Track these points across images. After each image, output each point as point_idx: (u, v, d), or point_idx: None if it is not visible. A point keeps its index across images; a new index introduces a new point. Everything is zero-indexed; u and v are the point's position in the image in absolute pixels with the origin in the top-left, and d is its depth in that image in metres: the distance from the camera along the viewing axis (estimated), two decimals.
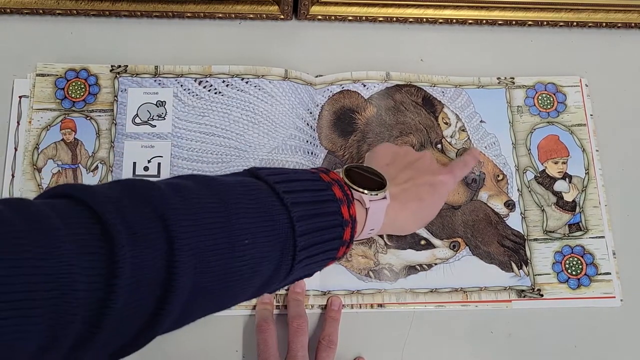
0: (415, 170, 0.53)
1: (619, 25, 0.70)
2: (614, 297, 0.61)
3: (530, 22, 0.70)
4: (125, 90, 0.63)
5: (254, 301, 0.57)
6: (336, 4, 0.67)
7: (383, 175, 0.48)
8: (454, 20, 0.69)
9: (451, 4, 0.68)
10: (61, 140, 0.61)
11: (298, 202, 0.40)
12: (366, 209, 0.45)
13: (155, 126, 0.62)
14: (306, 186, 0.42)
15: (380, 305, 0.59)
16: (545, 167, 0.65)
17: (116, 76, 0.63)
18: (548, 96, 0.67)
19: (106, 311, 0.31)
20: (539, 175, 0.64)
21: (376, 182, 0.47)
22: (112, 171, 0.60)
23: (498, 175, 0.64)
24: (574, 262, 0.61)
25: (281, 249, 0.39)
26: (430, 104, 0.65)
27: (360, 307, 0.59)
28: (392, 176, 0.50)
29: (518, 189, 0.64)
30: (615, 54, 0.71)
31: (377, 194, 0.46)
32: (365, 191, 0.45)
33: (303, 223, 0.40)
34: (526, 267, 0.61)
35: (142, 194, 0.35)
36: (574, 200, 0.64)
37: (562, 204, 0.63)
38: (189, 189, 0.37)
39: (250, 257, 0.37)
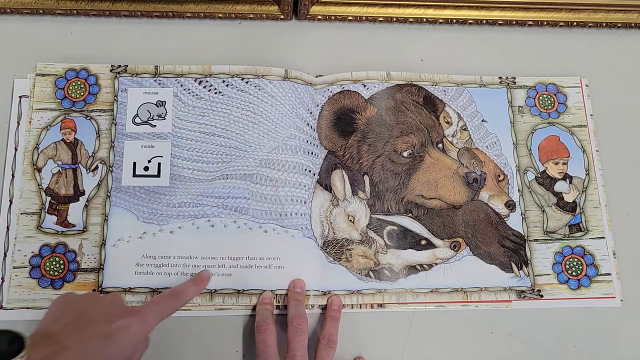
0: (84, 321, 0.45)
1: (619, 25, 0.70)
2: (614, 297, 0.61)
3: (530, 22, 0.70)
4: (125, 90, 0.63)
5: (254, 301, 0.57)
6: (336, 4, 0.67)
7: (27, 338, 0.42)
8: (454, 20, 0.69)
9: (451, 4, 0.68)
10: (61, 140, 0.61)
11: None
12: None
13: (155, 126, 0.62)
14: None
15: (380, 305, 0.59)
16: (546, 167, 0.65)
17: (116, 76, 0.63)
18: (549, 97, 0.67)
19: None
20: (539, 175, 0.64)
21: (16, 350, 0.41)
22: (112, 171, 0.60)
23: (499, 176, 0.64)
24: (574, 263, 0.61)
25: None
26: (431, 103, 0.65)
27: (360, 307, 0.59)
28: (54, 334, 0.44)
29: (519, 190, 0.64)
30: (615, 54, 0.71)
31: None
32: None
33: None
34: (526, 267, 0.61)
35: None
36: (574, 201, 0.64)
37: (563, 205, 0.63)
38: None
39: None
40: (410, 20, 0.69)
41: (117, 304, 0.48)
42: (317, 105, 0.64)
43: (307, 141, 0.63)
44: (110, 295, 0.49)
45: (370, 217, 0.61)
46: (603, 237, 0.63)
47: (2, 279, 0.57)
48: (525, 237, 0.62)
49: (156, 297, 0.52)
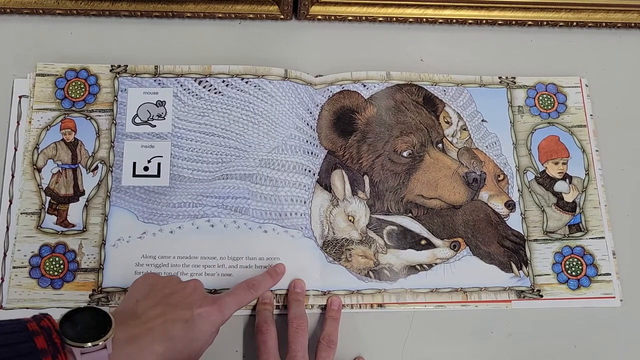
0: (169, 305, 0.47)
1: (619, 25, 0.70)
2: (614, 297, 0.61)
3: (530, 22, 0.70)
4: (125, 90, 0.63)
5: (254, 301, 0.57)
6: (336, 4, 0.67)
7: (113, 316, 0.42)
8: (454, 20, 0.69)
9: (451, 4, 0.68)
10: (61, 140, 0.61)
11: None
12: None
13: (155, 126, 0.62)
14: None
15: (380, 305, 0.59)
16: (546, 167, 0.65)
17: (116, 76, 0.63)
18: (549, 97, 0.67)
19: None
20: (539, 175, 0.64)
21: (102, 328, 0.41)
22: (112, 171, 0.60)
23: (499, 176, 0.64)
24: (574, 263, 0.61)
25: None
26: (431, 103, 0.66)
27: (360, 307, 0.59)
28: (140, 314, 0.46)
29: (518, 190, 0.64)
30: (615, 54, 0.71)
31: (95, 344, 0.40)
32: (73, 342, 0.40)
33: None
34: (526, 267, 0.61)
35: None
36: (574, 201, 0.64)
37: (562, 205, 0.63)
38: None
39: None
40: (410, 20, 0.69)
41: (199, 291, 0.50)
42: (317, 105, 0.64)
43: (307, 141, 0.63)
44: (192, 282, 0.51)
45: (370, 217, 0.61)
46: (603, 237, 0.63)
47: (2, 278, 0.57)
48: (525, 237, 0.62)
49: (234, 288, 0.54)
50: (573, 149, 0.65)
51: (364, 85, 0.65)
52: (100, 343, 0.41)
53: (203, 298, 0.50)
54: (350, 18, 0.68)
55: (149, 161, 0.61)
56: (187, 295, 0.49)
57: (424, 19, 0.68)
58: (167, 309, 0.47)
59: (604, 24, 0.70)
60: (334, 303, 0.58)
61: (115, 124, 0.62)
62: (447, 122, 0.65)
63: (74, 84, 0.63)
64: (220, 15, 0.67)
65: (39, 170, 0.60)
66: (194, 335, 0.47)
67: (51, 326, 0.40)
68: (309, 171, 0.62)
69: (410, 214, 0.62)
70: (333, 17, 0.68)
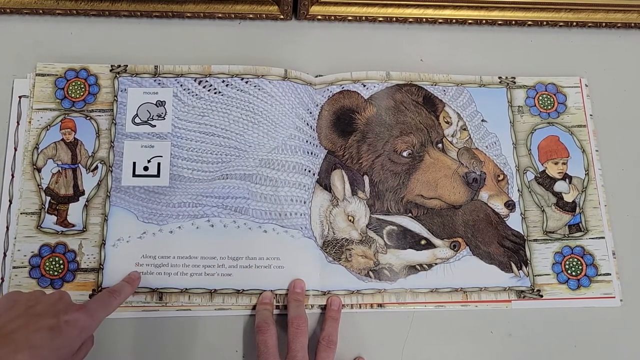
0: (32, 315, 0.46)
1: (619, 25, 0.71)
2: (614, 297, 0.61)
3: (530, 22, 0.70)
4: (125, 90, 0.63)
5: (254, 301, 0.57)
6: (336, 4, 0.67)
7: None
8: (454, 20, 0.69)
9: (451, 4, 0.68)
10: (61, 140, 0.61)
11: None
12: None
13: (155, 126, 0.62)
14: None
15: (380, 305, 0.59)
16: (546, 167, 0.65)
17: (116, 76, 0.63)
18: (548, 97, 0.67)
19: None
20: (539, 175, 0.64)
21: None
22: (111, 171, 0.60)
23: (499, 176, 0.64)
24: (574, 263, 0.61)
25: None
26: (431, 103, 0.66)
27: (360, 307, 0.59)
28: (0, 327, 0.45)
29: (518, 189, 0.64)
30: (615, 54, 0.71)
31: None
32: None
33: None
34: (526, 267, 0.61)
35: None
36: (574, 201, 0.64)
37: (562, 205, 0.63)
38: None
39: None
40: (410, 20, 0.69)
41: (64, 300, 0.49)
42: (317, 105, 0.64)
43: (307, 141, 0.63)
44: (57, 292, 0.50)
45: (370, 217, 0.61)
46: (603, 237, 0.63)
47: (2, 279, 0.57)
48: (525, 237, 0.62)
49: (98, 295, 0.53)
50: (573, 149, 0.65)
51: (364, 85, 0.65)
52: None
53: (69, 305, 0.49)
54: (350, 18, 0.68)
55: (148, 161, 0.61)
56: (52, 304, 0.48)
57: (424, 19, 0.69)
58: (30, 319, 0.46)
59: (604, 24, 0.70)
60: (334, 303, 0.58)
61: (115, 124, 0.62)
62: (447, 122, 0.65)
63: (73, 84, 0.63)
64: (220, 15, 0.67)
65: (39, 170, 0.60)
66: (62, 342, 0.46)
67: None
68: (309, 171, 0.62)
69: (410, 214, 0.62)
70: (333, 17, 0.68)
